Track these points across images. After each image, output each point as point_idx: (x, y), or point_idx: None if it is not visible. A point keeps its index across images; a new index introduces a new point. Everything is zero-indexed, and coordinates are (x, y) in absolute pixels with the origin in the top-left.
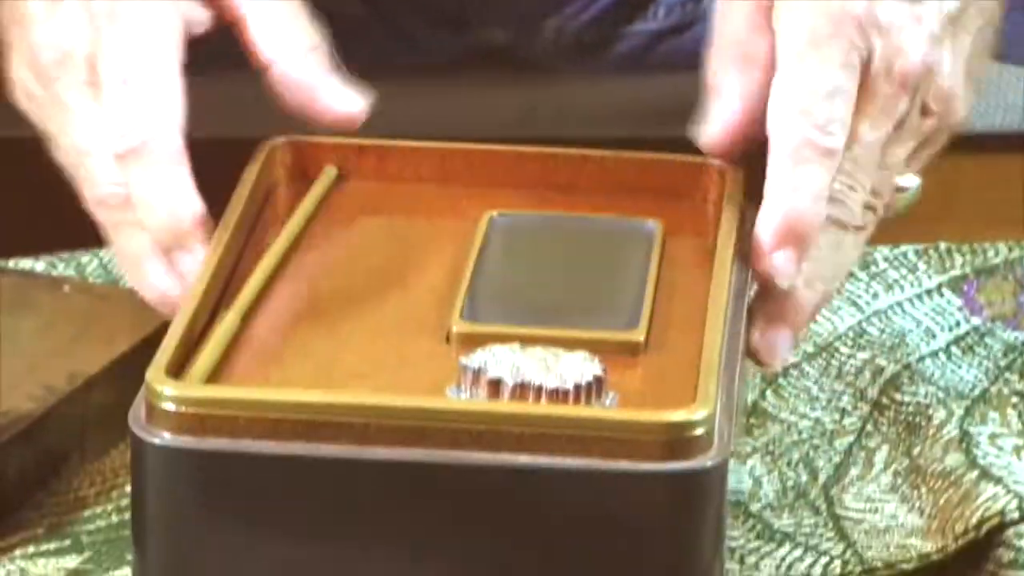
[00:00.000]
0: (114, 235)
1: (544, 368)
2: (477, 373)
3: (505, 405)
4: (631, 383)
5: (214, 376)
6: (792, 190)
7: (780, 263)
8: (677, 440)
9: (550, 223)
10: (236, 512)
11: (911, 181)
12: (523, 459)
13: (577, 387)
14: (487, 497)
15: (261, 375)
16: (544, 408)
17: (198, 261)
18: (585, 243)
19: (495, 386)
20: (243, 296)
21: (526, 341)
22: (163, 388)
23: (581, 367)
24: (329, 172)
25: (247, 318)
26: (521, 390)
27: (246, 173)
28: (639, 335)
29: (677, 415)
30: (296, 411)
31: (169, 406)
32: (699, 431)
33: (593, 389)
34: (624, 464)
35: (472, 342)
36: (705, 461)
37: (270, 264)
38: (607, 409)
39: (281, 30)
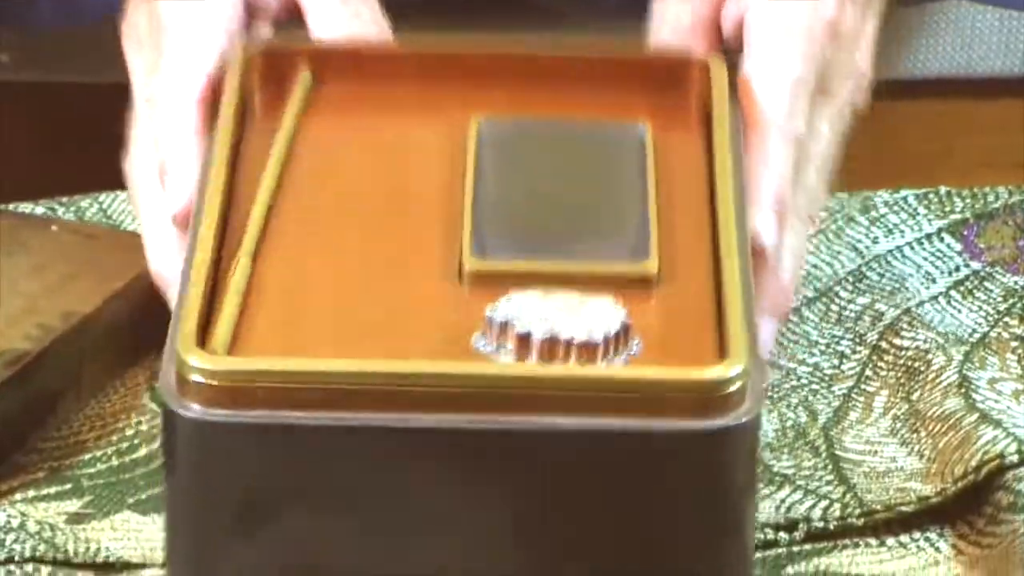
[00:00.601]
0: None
1: (570, 318)
2: (504, 326)
3: (541, 368)
4: (650, 321)
5: (238, 337)
6: (774, 164)
7: (765, 222)
8: (714, 397)
9: (539, 131)
10: (269, 482)
11: None
12: (560, 421)
13: (606, 338)
14: (524, 460)
15: (282, 334)
16: (581, 370)
17: None
18: (577, 152)
19: (524, 340)
20: (248, 241)
21: (540, 280)
22: (194, 360)
23: (607, 315)
24: (305, 78)
25: (256, 267)
26: (551, 345)
27: (226, 93)
28: (652, 266)
29: (714, 372)
30: (329, 380)
31: (199, 378)
32: (736, 387)
33: (620, 338)
34: (661, 423)
35: (485, 281)
36: (740, 416)
37: (266, 198)
38: (644, 368)
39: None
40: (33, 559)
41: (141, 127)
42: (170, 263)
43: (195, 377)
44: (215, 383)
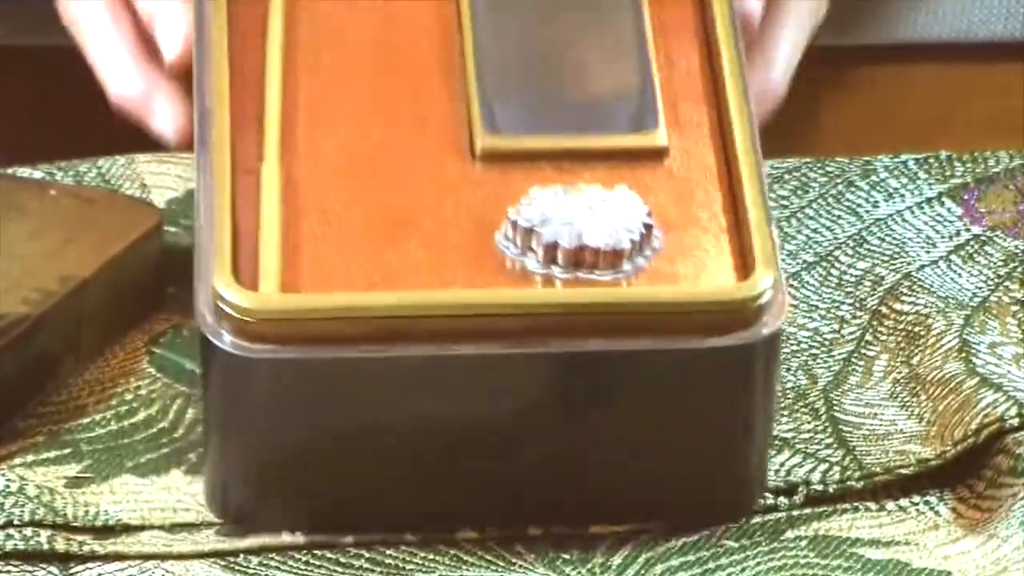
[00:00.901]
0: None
1: (595, 219)
2: (529, 233)
3: (574, 294)
4: (664, 199)
5: (284, 268)
6: None
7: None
8: (740, 314)
9: None
10: (317, 414)
11: None
12: (591, 345)
13: (632, 243)
14: (559, 380)
15: (323, 259)
16: (613, 295)
17: None
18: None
19: (551, 249)
20: (270, 142)
21: (554, 157)
22: (235, 298)
23: (631, 213)
24: None
25: (284, 172)
26: (577, 253)
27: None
28: (661, 138)
29: (746, 289)
30: (374, 315)
31: (241, 315)
32: (764, 300)
33: (644, 238)
34: (688, 342)
35: (498, 159)
36: (763, 328)
37: (276, 94)
38: (670, 289)
39: None
40: (32, 523)
41: None
42: (133, 84)
43: (237, 314)
44: (257, 321)
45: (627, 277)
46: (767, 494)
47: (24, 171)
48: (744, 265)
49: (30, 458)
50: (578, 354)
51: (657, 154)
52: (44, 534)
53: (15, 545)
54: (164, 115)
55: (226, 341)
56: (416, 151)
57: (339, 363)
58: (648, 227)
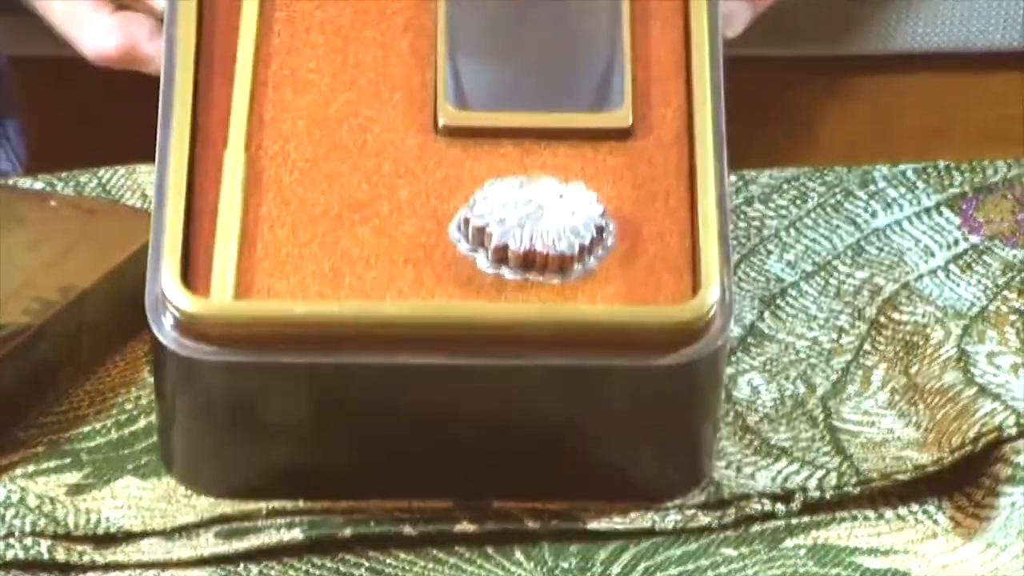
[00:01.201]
0: None
1: (547, 219)
2: (481, 232)
3: (517, 309)
4: (622, 190)
5: (241, 268)
6: None
7: None
8: (684, 332)
9: None
10: (258, 414)
11: None
12: (533, 361)
13: (582, 248)
14: (500, 391)
15: (280, 255)
16: (557, 312)
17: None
18: None
19: (501, 250)
20: (235, 131)
21: (516, 135)
22: (183, 303)
23: (583, 216)
24: None
25: (248, 159)
26: (527, 256)
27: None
28: (626, 119)
29: (685, 311)
30: (319, 324)
31: (188, 319)
32: (706, 320)
33: (595, 242)
34: (634, 359)
35: (460, 134)
36: (702, 349)
37: (247, 76)
38: (617, 310)
39: None
40: (33, 533)
41: None
42: (108, 37)
43: (184, 318)
44: (207, 324)
45: (577, 278)
46: (764, 500)
47: (25, 181)
48: (694, 271)
49: (31, 468)
50: (516, 366)
51: (621, 135)
52: (44, 544)
53: (16, 555)
54: (154, 45)
55: (169, 337)
56: (381, 123)
57: (277, 366)
58: (600, 230)
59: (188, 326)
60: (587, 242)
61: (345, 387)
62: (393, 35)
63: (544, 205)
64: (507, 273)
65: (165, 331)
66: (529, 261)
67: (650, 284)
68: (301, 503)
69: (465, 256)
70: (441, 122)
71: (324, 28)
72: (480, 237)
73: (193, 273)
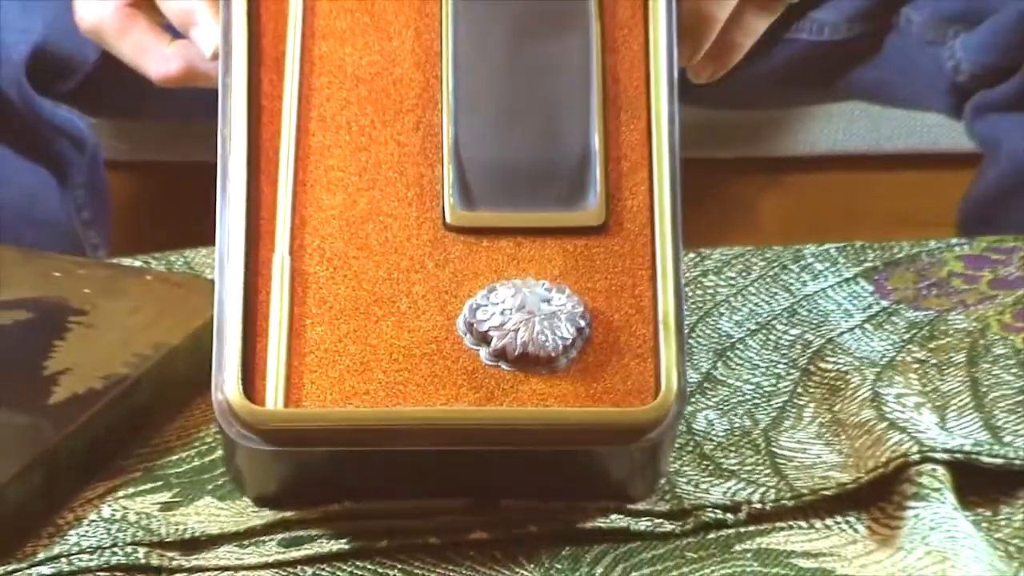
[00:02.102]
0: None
1: (536, 328)
2: (484, 335)
3: (503, 412)
4: (599, 285)
5: (290, 381)
6: None
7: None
8: (649, 424)
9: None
10: (305, 477)
11: None
12: (526, 447)
13: (565, 345)
14: (481, 466)
15: (328, 370)
16: (534, 414)
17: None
18: (532, 35)
19: (500, 351)
20: (280, 236)
21: (511, 233)
22: (244, 413)
23: (568, 319)
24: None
25: (293, 265)
26: (521, 354)
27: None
28: (599, 216)
29: (649, 412)
30: (353, 427)
31: (249, 423)
32: (666, 411)
33: (576, 338)
34: (600, 448)
35: (464, 231)
36: (662, 433)
37: (289, 179)
38: (590, 412)
39: None
40: (133, 543)
41: None
42: (170, 62)
43: (244, 422)
44: (263, 426)
45: (562, 368)
46: (716, 510)
47: (126, 260)
48: (655, 354)
49: (131, 490)
50: (508, 451)
51: (595, 231)
52: (142, 551)
53: (119, 561)
54: (209, 65)
55: (234, 431)
56: (399, 220)
57: (323, 454)
58: (580, 330)
59: (249, 427)
60: (570, 340)
61: (372, 463)
62: (408, 134)
63: (535, 311)
64: (504, 366)
65: (233, 429)
66: (522, 359)
67: (620, 369)
68: (348, 507)
69: (469, 349)
70: (449, 221)
71: (350, 128)
72: (482, 337)
73: (250, 377)
